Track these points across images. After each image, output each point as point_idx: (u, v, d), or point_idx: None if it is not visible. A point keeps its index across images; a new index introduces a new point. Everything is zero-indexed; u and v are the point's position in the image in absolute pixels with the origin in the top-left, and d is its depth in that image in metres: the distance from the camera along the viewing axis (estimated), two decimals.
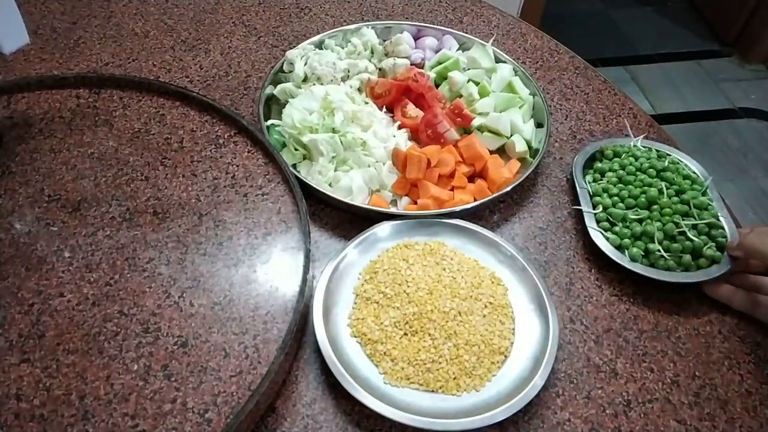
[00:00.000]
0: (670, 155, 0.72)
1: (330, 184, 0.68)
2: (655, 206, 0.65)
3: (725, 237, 0.63)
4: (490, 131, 0.74)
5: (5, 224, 0.59)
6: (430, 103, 0.75)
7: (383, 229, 0.64)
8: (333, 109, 0.72)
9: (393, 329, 0.56)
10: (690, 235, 0.62)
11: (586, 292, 0.63)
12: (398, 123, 0.75)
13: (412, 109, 0.77)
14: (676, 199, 0.65)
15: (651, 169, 0.69)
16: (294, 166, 0.70)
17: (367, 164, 0.69)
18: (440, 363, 0.54)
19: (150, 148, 0.68)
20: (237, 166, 0.67)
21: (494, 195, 0.67)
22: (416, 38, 0.87)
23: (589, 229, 0.64)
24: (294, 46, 0.82)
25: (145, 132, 0.70)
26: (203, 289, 0.56)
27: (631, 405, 0.55)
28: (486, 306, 0.58)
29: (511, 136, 0.74)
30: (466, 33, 0.87)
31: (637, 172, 0.69)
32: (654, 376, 0.57)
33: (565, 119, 0.82)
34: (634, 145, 0.73)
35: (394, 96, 0.77)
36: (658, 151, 0.73)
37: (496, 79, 0.79)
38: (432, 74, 0.81)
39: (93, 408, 0.47)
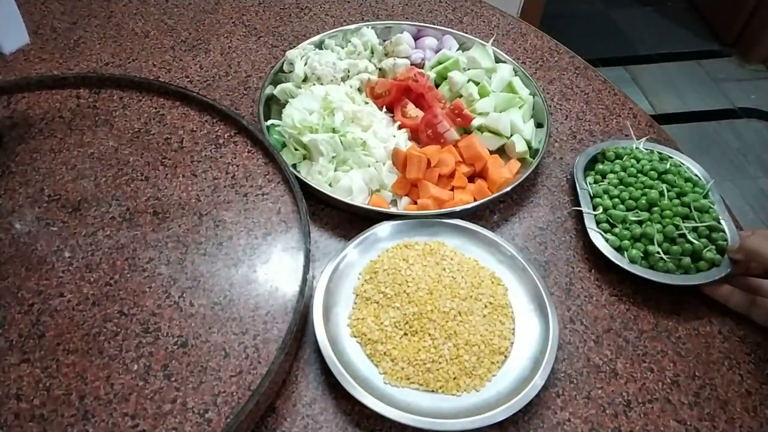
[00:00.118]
0: (672, 158, 0.72)
1: (330, 184, 0.68)
2: (656, 208, 0.65)
3: (726, 240, 0.62)
4: (490, 131, 0.74)
5: (5, 224, 0.59)
6: (430, 103, 0.75)
7: (383, 229, 0.64)
8: (333, 109, 0.72)
9: (393, 329, 0.56)
10: (690, 237, 0.62)
11: (586, 292, 0.63)
12: (398, 123, 0.75)
13: (412, 109, 0.77)
14: (677, 201, 0.65)
15: (652, 171, 0.69)
16: (294, 166, 0.70)
17: (367, 164, 0.69)
18: (440, 363, 0.54)
19: (150, 148, 0.68)
20: (237, 166, 0.67)
21: (494, 195, 0.67)
22: (416, 38, 0.87)
23: (589, 231, 0.64)
24: (294, 46, 0.82)
25: (145, 132, 0.70)
26: (203, 289, 0.56)
27: (631, 405, 0.55)
28: (486, 306, 0.58)
29: (511, 136, 0.74)
30: (466, 33, 0.87)
31: (639, 174, 0.69)
32: (654, 376, 0.57)
33: (565, 119, 0.82)
34: (637, 148, 0.73)
35: (394, 96, 0.77)
36: (660, 153, 0.73)
37: (496, 79, 0.79)
38: (432, 74, 0.81)
39: (93, 408, 0.47)
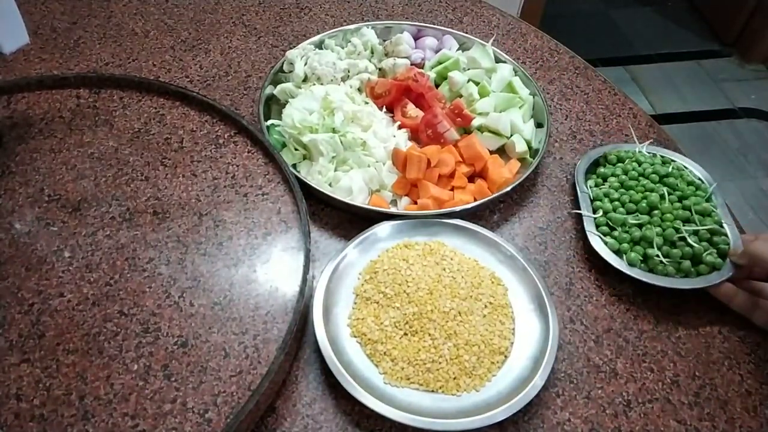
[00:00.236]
0: (674, 161, 0.71)
1: (330, 184, 0.68)
2: (656, 211, 0.64)
3: (728, 244, 0.62)
4: (490, 131, 0.74)
5: (5, 224, 0.59)
6: (430, 103, 0.75)
7: (383, 229, 0.64)
8: (333, 109, 0.72)
9: (393, 329, 0.56)
10: (690, 240, 0.61)
11: (586, 292, 0.63)
12: (398, 123, 0.75)
13: (412, 109, 0.77)
14: (678, 204, 0.65)
15: (654, 175, 0.68)
16: (294, 166, 0.70)
17: (367, 164, 0.69)
18: (440, 363, 0.54)
19: (150, 148, 0.68)
20: (237, 166, 0.67)
21: (494, 195, 0.67)
22: (416, 38, 0.87)
23: (588, 234, 0.64)
24: (294, 46, 0.82)
25: (145, 132, 0.70)
26: (203, 289, 0.56)
27: (631, 405, 0.55)
28: (486, 306, 0.58)
29: (511, 136, 0.74)
30: (466, 33, 0.87)
31: (640, 178, 0.68)
32: (654, 376, 0.57)
33: (565, 119, 0.82)
34: (639, 151, 0.72)
35: (394, 96, 0.77)
36: (662, 156, 0.72)
37: (496, 79, 0.79)
38: (432, 74, 0.81)
39: (93, 408, 0.47)
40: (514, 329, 0.58)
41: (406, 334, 0.56)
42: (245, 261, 0.58)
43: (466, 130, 0.75)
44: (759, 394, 0.56)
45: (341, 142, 0.69)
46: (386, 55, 0.83)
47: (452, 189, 0.70)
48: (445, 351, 0.55)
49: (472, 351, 0.55)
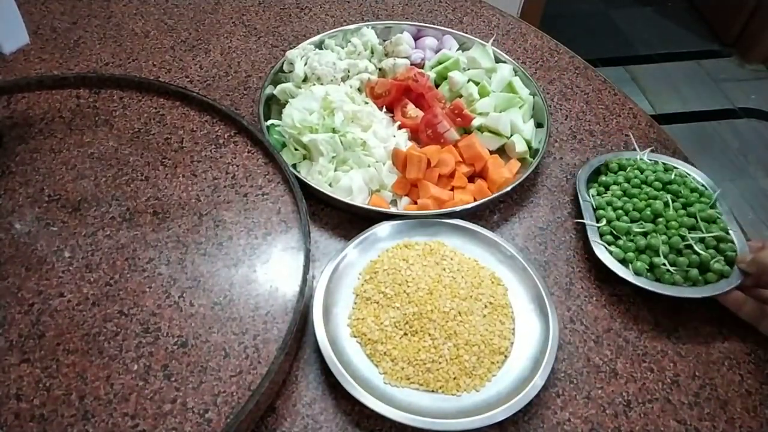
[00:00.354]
0: (677, 168, 0.70)
1: (330, 184, 0.68)
2: (661, 219, 0.63)
3: (735, 251, 0.61)
4: (490, 131, 0.74)
5: (5, 224, 0.59)
6: (430, 103, 0.75)
7: (383, 229, 0.64)
8: (333, 109, 0.72)
9: (393, 329, 0.56)
10: (697, 248, 0.60)
11: (586, 292, 0.63)
12: (398, 123, 0.75)
13: (412, 109, 0.77)
14: (682, 212, 0.64)
15: (657, 182, 0.67)
16: (294, 166, 0.70)
17: (367, 164, 0.69)
18: (440, 363, 0.54)
19: (150, 148, 0.68)
20: (237, 166, 0.67)
21: (494, 195, 0.67)
22: (416, 38, 0.87)
23: (592, 243, 0.63)
24: (294, 46, 0.82)
25: (145, 132, 0.70)
26: (203, 289, 0.56)
27: (631, 405, 0.55)
28: (486, 306, 0.58)
29: (511, 136, 0.74)
30: (466, 33, 0.87)
31: (643, 185, 0.68)
32: (654, 376, 0.57)
33: (565, 119, 0.82)
34: (641, 159, 0.72)
35: (394, 96, 0.77)
36: (665, 164, 0.71)
37: (496, 79, 0.79)
38: (432, 74, 0.81)
39: (93, 408, 0.47)
40: (514, 329, 0.58)
41: (406, 334, 0.56)
42: (245, 261, 0.58)
43: (466, 130, 0.75)
44: (759, 394, 0.56)
45: (341, 142, 0.69)
46: (386, 55, 0.83)
47: (452, 189, 0.70)
48: (445, 351, 0.55)
49: (472, 351, 0.55)
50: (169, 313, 0.54)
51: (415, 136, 0.75)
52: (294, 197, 0.63)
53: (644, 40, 2.43)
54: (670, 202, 0.64)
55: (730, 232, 0.62)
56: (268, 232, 0.61)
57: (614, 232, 0.64)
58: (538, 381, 0.53)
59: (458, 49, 0.85)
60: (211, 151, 0.68)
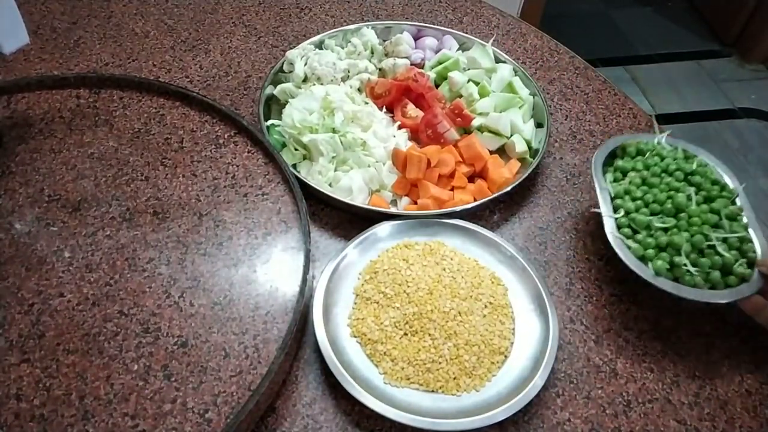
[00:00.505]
0: (697, 156, 0.65)
1: (330, 184, 0.68)
2: (683, 214, 0.58)
3: (755, 252, 0.57)
4: (490, 131, 0.74)
5: (5, 224, 0.59)
6: (430, 103, 0.75)
7: (383, 229, 0.64)
8: (333, 109, 0.72)
9: (393, 329, 0.56)
10: (720, 249, 0.56)
11: (586, 292, 0.63)
12: (398, 123, 0.75)
13: (412, 109, 0.77)
14: (705, 207, 0.59)
15: (678, 172, 0.62)
16: (294, 166, 0.70)
17: (367, 164, 0.69)
18: (440, 363, 0.54)
19: (150, 148, 0.68)
20: (237, 166, 0.67)
21: (494, 195, 0.67)
22: (416, 38, 0.87)
23: (609, 236, 0.58)
24: (294, 46, 0.82)
25: (145, 132, 0.70)
26: (203, 289, 0.56)
27: (631, 405, 0.55)
28: (486, 306, 0.58)
29: (511, 136, 0.74)
30: (466, 33, 0.87)
31: (663, 174, 0.62)
32: (654, 376, 0.57)
33: (565, 119, 0.82)
34: (659, 143, 0.66)
35: (394, 96, 0.77)
36: (685, 150, 0.66)
37: (496, 79, 0.79)
38: (432, 74, 0.81)
39: (93, 408, 0.47)
40: (514, 329, 0.58)
41: (406, 334, 0.56)
42: (245, 261, 0.58)
43: (466, 130, 0.75)
44: (759, 394, 0.56)
45: (341, 142, 0.69)
46: (386, 55, 0.83)
47: (452, 189, 0.70)
48: (445, 351, 0.55)
49: (472, 351, 0.55)
50: (169, 313, 0.54)
51: (415, 136, 0.75)
52: (294, 197, 0.63)
53: (644, 40, 2.43)
54: (693, 195, 0.59)
55: (750, 231, 0.59)
56: (268, 232, 0.61)
57: (633, 225, 0.59)
58: (538, 381, 0.53)
59: (458, 49, 0.85)
60: (211, 151, 0.68)
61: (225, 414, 0.48)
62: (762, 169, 1.95)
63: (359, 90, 0.78)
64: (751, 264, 0.56)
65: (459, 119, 0.74)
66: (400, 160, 0.69)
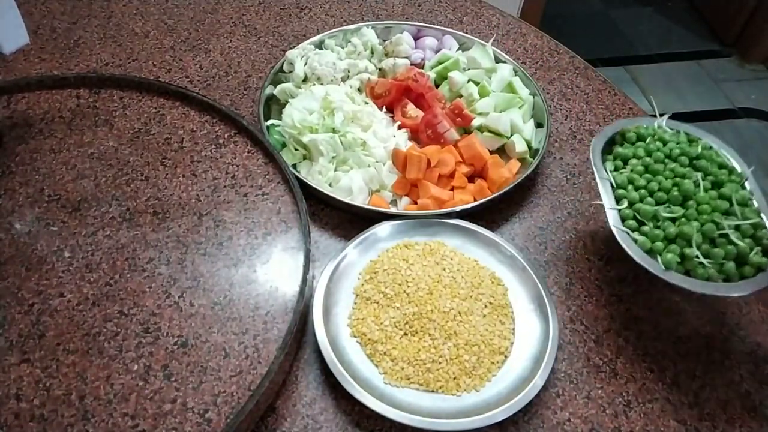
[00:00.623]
0: (701, 139, 0.61)
1: (330, 184, 0.68)
2: (691, 202, 0.55)
3: None
4: (490, 131, 0.74)
5: (5, 224, 0.59)
6: (430, 103, 0.75)
7: (383, 229, 0.64)
8: (333, 109, 0.72)
9: (393, 329, 0.56)
10: (733, 238, 0.52)
11: (586, 292, 0.63)
12: (398, 123, 0.75)
13: (412, 109, 0.77)
14: (713, 193, 0.55)
15: (683, 157, 0.58)
16: (294, 166, 0.70)
17: (367, 164, 0.69)
18: (440, 363, 0.54)
19: (150, 148, 0.68)
20: (237, 166, 0.67)
21: (494, 195, 0.67)
22: (416, 38, 0.87)
23: (614, 230, 0.55)
24: (294, 46, 0.82)
25: (145, 132, 0.70)
26: (203, 289, 0.56)
27: (631, 405, 0.55)
28: (486, 306, 0.58)
29: (511, 136, 0.74)
30: (466, 33, 0.87)
31: (667, 160, 0.59)
32: (654, 376, 0.57)
33: (565, 119, 0.82)
34: (659, 127, 0.62)
35: (394, 96, 0.77)
36: (687, 134, 0.62)
37: (496, 79, 0.79)
38: (432, 74, 0.81)
39: (93, 408, 0.47)
40: (514, 329, 0.58)
41: (406, 334, 0.56)
42: (245, 261, 0.58)
43: (466, 130, 0.75)
44: (759, 394, 0.56)
45: (341, 142, 0.69)
46: (386, 55, 0.83)
47: (452, 189, 0.70)
48: (445, 351, 0.55)
49: (472, 351, 0.55)
50: (169, 313, 0.54)
51: (415, 136, 0.75)
52: (294, 197, 0.63)
53: (644, 40, 2.43)
54: (700, 181, 0.56)
55: (762, 216, 0.54)
56: (268, 232, 0.61)
57: (638, 216, 0.56)
58: (538, 381, 0.53)
59: (458, 49, 0.85)
60: (211, 151, 0.68)
61: (225, 414, 0.48)
62: (762, 169, 1.95)
63: (359, 90, 0.78)
64: (766, 251, 0.53)
65: (459, 119, 0.74)
66: (400, 160, 0.69)
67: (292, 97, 0.75)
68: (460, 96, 0.77)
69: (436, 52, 0.85)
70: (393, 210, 0.67)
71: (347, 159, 0.69)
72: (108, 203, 0.62)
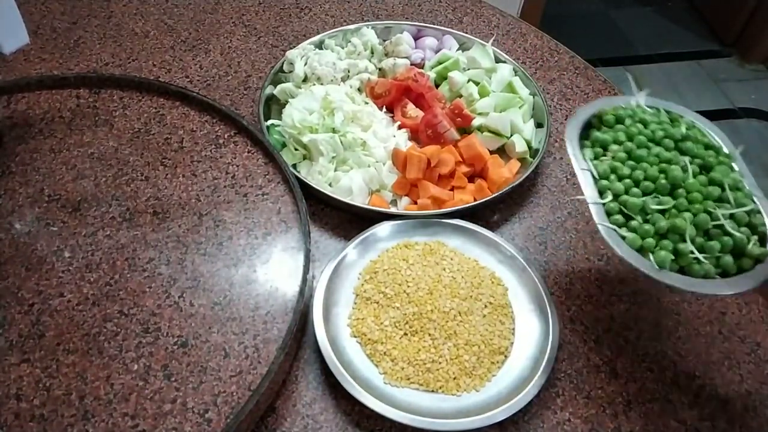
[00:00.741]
0: (683, 117, 0.56)
1: (330, 184, 0.68)
2: (680, 190, 0.50)
3: (764, 224, 0.49)
4: (490, 131, 0.74)
5: (5, 224, 0.59)
6: (430, 103, 0.75)
7: (383, 229, 0.64)
8: (333, 109, 0.72)
9: (393, 329, 0.56)
10: (728, 228, 0.48)
11: (586, 292, 0.63)
12: (398, 123, 0.75)
13: (412, 109, 0.77)
14: (703, 178, 0.51)
15: (667, 140, 0.53)
16: (294, 166, 0.70)
17: (367, 164, 0.69)
18: (440, 363, 0.54)
19: (150, 148, 0.68)
20: (237, 166, 0.67)
21: (494, 195, 0.67)
22: (416, 38, 0.87)
23: (600, 228, 0.50)
24: (294, 46, 0.82)
25: (145, 132, 0.70)
26: (203, 289, 0.56)
27: (631, 405, 0.55)
28: (486, 306, 0.58)
29: (511, 136, 0.74)
30: (466, 33, 0.87)
31: (650, 144, 0.54)
32: (654, 376, 0.57)
33: (565, 119, 0.82)
34: (638, 105, 0.57)
35: (394, 96, 0.77)
36: (668, 112, 0.57)
37: (496, 79, 0.79)
38: (432, 74, 0.81)
39: (93, 408, 0.47)
40: (514, 329, 0.58)
41: (406, 334, 0.56)
42: (245, 261, 0.58)
43: (466, 130, 0.75)
44: (759, 394, 0.56)
45: (341, 142, 0.69)
46: (386, 55, 0.83)
47: (452, 189, 0.70)
48: (445, 351, 0.55)
49: (472, 351, 0.55)
50: (169, 313, 0.54)
51: (415, 136, 0.75)
52: (294, 197, 0.63)
53: (644, 40, 2.43)
54: (689, 165, 0.51)
55: (755, 200, 0.50)
56: (268, 232, 0.61)
57: (624, 210, 0.51)
58: (538, 381, 0.53)
59: (458, 49, 0.85)
60: (211, 151, 0.68)
61: (225, 414, 0.48)
62: (762, 169, 1.95)
63: (359, 90, 0.78)
64: (763, 239, 0.49)
65: (459, 119, 0.74)
66: (400, 160, 0.69)
67: (292, 97, 0.75)
68: (460, 96, 0.77)
69: (436, 52, 0.85)
70: (393, 210, 0.67)
71: (347, 159, 0.70)
72: (108, 203, 0.62)
